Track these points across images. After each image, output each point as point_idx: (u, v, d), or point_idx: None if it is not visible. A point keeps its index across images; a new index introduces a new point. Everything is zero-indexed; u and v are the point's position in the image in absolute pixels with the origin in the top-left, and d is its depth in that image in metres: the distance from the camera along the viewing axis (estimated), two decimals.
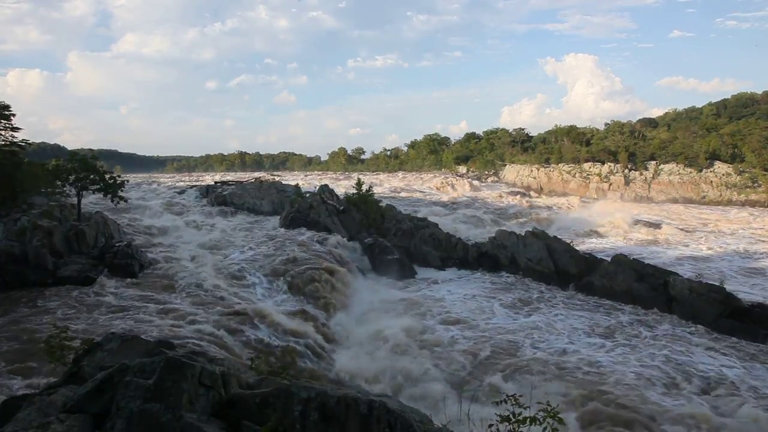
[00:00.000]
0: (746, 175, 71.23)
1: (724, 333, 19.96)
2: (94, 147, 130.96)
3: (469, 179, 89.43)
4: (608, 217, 49.78)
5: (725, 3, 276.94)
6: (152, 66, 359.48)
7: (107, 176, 29.48)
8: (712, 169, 74.27)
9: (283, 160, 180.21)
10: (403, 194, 67.31)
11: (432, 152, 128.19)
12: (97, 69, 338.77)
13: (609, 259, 27.14)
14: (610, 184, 78.59)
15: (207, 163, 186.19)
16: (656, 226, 47.55)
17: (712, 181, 73.13)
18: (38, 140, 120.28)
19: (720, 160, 74.84)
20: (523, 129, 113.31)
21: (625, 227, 47.00)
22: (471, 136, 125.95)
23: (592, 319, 21.80)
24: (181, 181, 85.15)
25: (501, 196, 68.49)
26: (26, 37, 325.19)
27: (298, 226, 35.98)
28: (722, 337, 19.70)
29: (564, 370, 16.07)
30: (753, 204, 65.71)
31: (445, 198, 65.95)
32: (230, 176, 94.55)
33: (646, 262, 26.92)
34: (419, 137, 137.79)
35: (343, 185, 65.46)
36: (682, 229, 46.37)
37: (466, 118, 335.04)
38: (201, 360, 5.56)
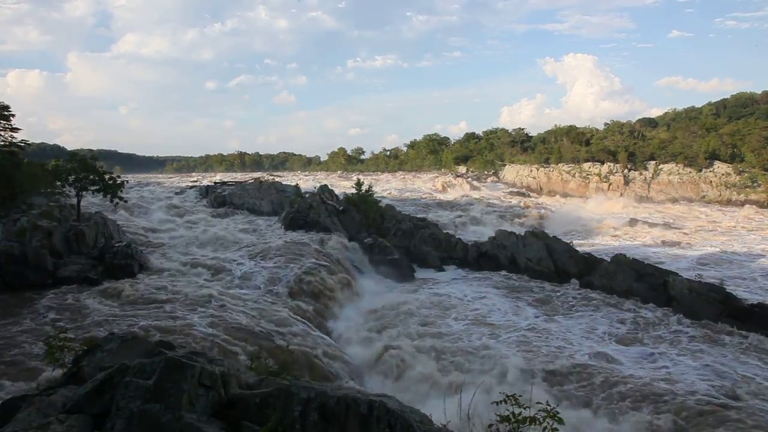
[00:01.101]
0: (746, 174, 71.23)
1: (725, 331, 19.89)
2: (94, 147, 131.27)
3: (469, 179, 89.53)
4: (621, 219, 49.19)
5: (724, 3, 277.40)
6: (152, 66, 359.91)
7: (107, 177, 29.45)
8: (711, 169, 74.25)
9: (283, 161, 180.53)
10: (402, 194, 67.35)
11: (432, 152, 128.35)
12: (96, 69, 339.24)
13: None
14: (610, 184, 78.62)
15: (207, 163, 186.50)
16: (673, 227, 47.06)
17: (711, 181, 73.12)
18: (38, 140, 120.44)
19: (719, 160, 74.82)
20: (522, 129, 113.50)
21: (628, 228, 47.07)
22: (470, 136, 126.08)
23: (614, 318, 21.50)
24: (181, 181, 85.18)
25: (501, 196, 68.57)
26: (26, 37, 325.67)
27: (298, 227, 35.97)
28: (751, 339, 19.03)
29: (629, 382, 15.05)
30: (752, 204, 65.65)
31: (444, 198, 65.99)
32: (230, 176, 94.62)
33: (667, 264, 26.59)
34: (419, 137, 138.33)
35: (342, 185, 65.47)
36: (700, 231, 45.42)
37: (465, 118, 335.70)
38: (201, 360, 5.56)
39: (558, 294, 25.46)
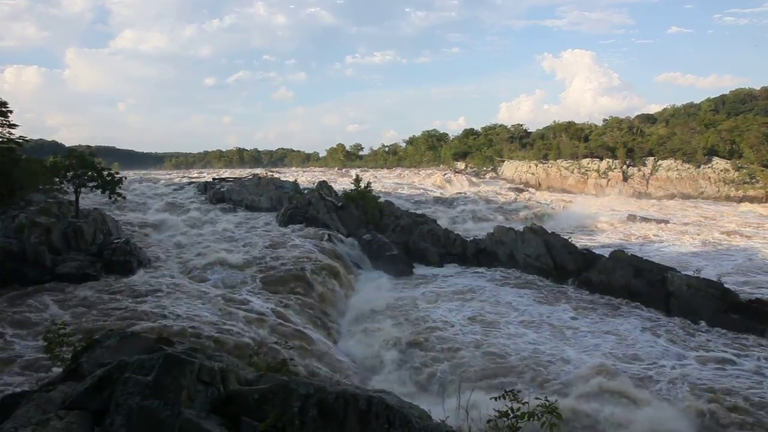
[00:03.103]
0: (744, 171, 71.32)
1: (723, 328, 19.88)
2: (92, 144, 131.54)
3: (468, 175, 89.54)
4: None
5: None
6: (150, 62, 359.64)
7: (105, 173, 29.41)
8: (710, 165, 74.33)
9: (282, 157, 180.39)
10: (401, 190, 67.27)
11: (430, 148, 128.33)
12: (95, 65, 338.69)
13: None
14: (609, 180, 78.68)
15: (205, 159, 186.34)
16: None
17: (710, 177, 73.21)
18: (36, 137, 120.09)
19: (718, 156, 74.90)
20: (521, 125, 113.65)
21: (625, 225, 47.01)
22: (469, 132, 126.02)
23: (649, 323, 20.80)
24: (180, 177, 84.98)
25: (499, 192, 68.55)
26: (24, 33, 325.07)
27: (297, 223, 35.95)
28: None
29: None
30: (750, 200, 65.72)
31: (443, 194, 65.93)
32: (228, 173, 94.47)
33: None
34: (418, 133, 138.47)
35: (341, 182, 65.39)
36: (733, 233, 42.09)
37: (464, 114, 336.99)
38: (200, 356, 5.57)
39: (566, 292, 25.27)
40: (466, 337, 18.47)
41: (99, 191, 29.75)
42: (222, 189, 52.74)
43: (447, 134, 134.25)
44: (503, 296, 24.36)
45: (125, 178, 34.45)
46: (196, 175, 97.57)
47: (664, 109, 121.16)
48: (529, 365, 15.82)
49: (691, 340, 18.98)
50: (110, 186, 29.06)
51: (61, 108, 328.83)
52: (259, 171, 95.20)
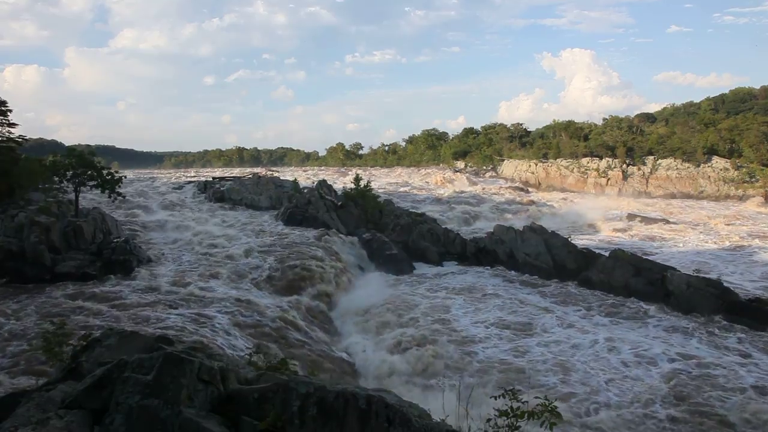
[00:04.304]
0: (744, 170, 71.31)
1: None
2: (92, 143, 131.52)
3: (468, 174, 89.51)
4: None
5: None
6: (150, 61, 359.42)
7: (105, 172, 29.38)
8: (709, 164, 74.29)
9: (281, 156, 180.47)
10: (401, 189, 67.28)
11: (430, 147, 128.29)
12: (94, 64, 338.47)
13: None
14: (608, 179, 78.60)
15: (205, 158, 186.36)
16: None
17: (710, 176, 73.16)
18: (35, 136, 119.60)
19: (718, 155, 74.85)
20: (520, 124, 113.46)
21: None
22: (469, 131, 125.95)
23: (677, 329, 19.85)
24: (180, 177, 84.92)
25: (499, 191, 68.54)
26: (23, 32, 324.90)
27: (297, 222, 35.95)
28: None
29: None
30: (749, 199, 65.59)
31: (443, 193, 65.91)
32: (228, 172, 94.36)
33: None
34: (417, 132, 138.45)
35: (341, 181, 65.37)
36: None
37: (464, 113, 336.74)
38: (200, 355, 5.57)
39: (574, 292, 24.95)
40: (511, 352, 17.33)
41: (98, 190, 29.70)
42: (222, 188, 52.75)
43: (447, 133, 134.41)
44: (522, 297, 23.74)
45: (125, 177, 34.37)
46: (194, 174, 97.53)
47: (664, 108, 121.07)
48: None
49: (726, 342, 18.40)
50: (110, 185, 29.02)
51: (61, 107, 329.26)
52: (258, 170, 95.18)
